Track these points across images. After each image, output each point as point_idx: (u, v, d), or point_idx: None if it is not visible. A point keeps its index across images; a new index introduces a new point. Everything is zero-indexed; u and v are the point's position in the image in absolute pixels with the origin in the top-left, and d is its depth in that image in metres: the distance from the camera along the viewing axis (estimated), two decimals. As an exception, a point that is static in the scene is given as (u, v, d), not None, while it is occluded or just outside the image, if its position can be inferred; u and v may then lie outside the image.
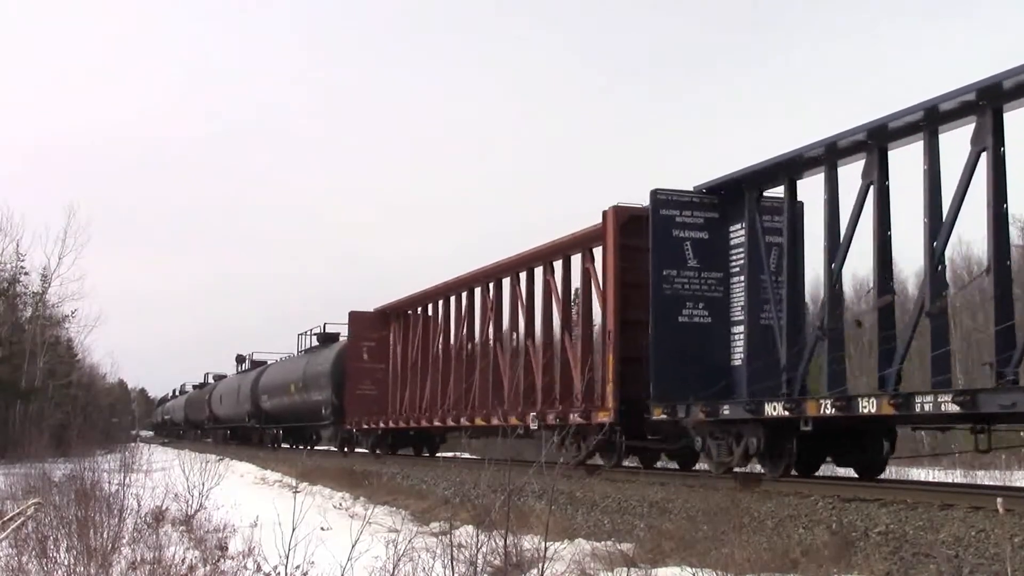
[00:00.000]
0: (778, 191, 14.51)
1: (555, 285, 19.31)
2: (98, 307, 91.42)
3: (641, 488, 14.43)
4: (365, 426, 29.28)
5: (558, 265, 19.24)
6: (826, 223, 13.10)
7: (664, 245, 15.18)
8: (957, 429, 13.49)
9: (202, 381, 71.17)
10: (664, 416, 14.80)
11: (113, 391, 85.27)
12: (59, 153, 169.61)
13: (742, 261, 14.86)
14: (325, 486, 23.03)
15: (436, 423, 24.51)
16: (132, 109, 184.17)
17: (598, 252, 17.49)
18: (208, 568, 9.83)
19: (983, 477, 21.88)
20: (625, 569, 9.99)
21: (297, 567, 8.11)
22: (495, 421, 19.97)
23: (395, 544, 8.38)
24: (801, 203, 14.68)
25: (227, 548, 11.44)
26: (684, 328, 15.08)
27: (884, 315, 12.51)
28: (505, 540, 8.78)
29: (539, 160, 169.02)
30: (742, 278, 14.84)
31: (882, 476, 15.28)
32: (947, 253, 11.81)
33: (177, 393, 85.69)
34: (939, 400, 10.60)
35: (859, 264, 14.79)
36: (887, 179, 12.48)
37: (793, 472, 13.70)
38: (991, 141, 10.96)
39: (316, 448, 41.64)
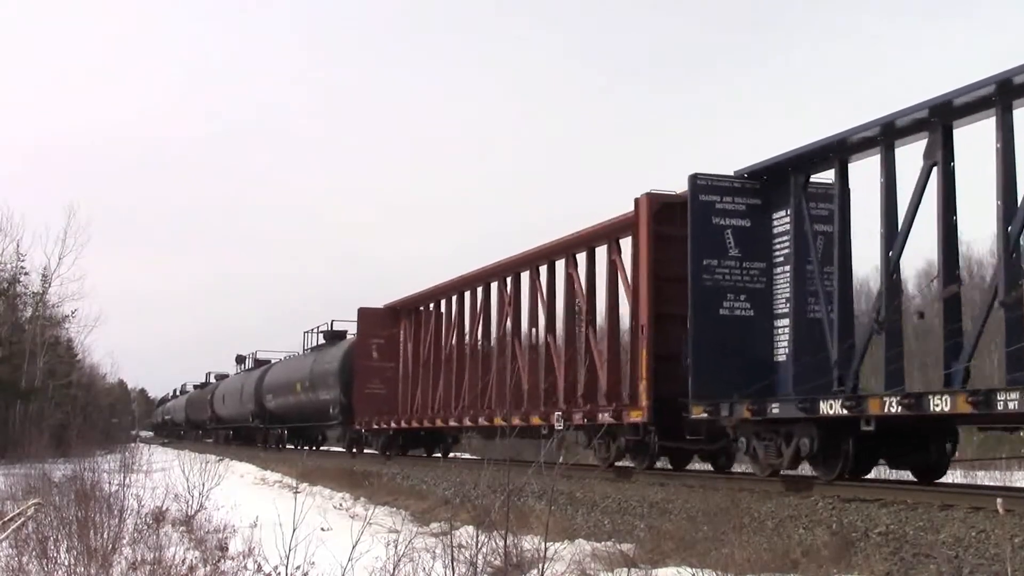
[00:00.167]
0: (824, 176, 13.77)
1: (578, 278, 18.55)
2: (98, 307, 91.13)
3: (641, 488, 14.43)
4: (376, 426, 28.48)
5: (581, 258, 18.49)
6: (883, 208, 12.23)
7: (704, 233, 14.30)
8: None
9: (204, 381, 70.16)
10: (705, 415, 13.97)
11: (113, 391, 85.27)
12: (59, 153, 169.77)
13: (787, 250, 14.02)
14: (325, 487, 23.04)
15: (452, 423, 23.57)
16: (132, 109, 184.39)
17: (625, 243, 16.81)
18: (208, 568, 9.84)
19: (983, 477, 21.84)
20: (625, 569, 9.99)
21: (297, 567, 8.11)
22: (516, 421, 19.10)
23: (395, 544, 8.38)
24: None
25: (227, 548, 11.44)
26: (725, 321, 14.24)
27: (950, 306, 11.64)
28: (505, 540, 8.78)
29: (539, 160, 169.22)
30: (787, 268, 13.99)
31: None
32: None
33: (178, 393, 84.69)
34: None
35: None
36: (952, 159, 11.58)
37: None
38: None
39: (322, 449, 41.23)
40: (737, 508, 11.48)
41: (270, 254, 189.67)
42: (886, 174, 12.33)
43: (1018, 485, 18.16)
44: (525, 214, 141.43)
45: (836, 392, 12.40)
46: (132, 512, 13.03)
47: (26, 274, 47.47)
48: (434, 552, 8.85)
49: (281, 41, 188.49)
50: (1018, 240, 10.82)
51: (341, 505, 19.56)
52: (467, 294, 24.23)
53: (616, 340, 17.52)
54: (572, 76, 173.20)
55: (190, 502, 16.44)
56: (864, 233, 13.31)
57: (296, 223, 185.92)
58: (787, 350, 13.85)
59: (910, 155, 12.20)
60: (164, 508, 15.13)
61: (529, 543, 9.62)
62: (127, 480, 15.05)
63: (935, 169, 11.58)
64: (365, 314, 29.49)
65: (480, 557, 8.60)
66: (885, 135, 12.29)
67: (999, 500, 7.56)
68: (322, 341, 37.14)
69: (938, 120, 11.60)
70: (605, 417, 16.08)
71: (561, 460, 9.89)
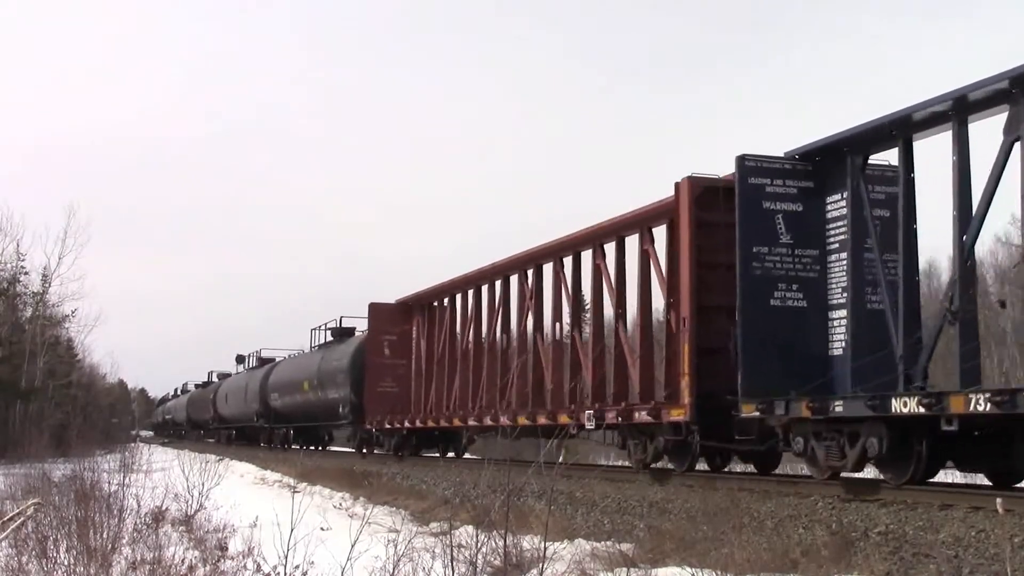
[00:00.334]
0: (882, 157, 13.01)
1: (606, 270, 17.60)
2: (98, 307, 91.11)
3: (641, 488, 14.42)
4: (388, 426, 27.30)
5: (610, 248, 17.51)
6: (955, 189, 11.32)
7: (753, 218, 13.42)
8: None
9: (206, 380, 69.04)
10: (756, 414, 12.99)
11: (113, 391, 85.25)
12: (59, 153, 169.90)
13: (843, 237, 13.13)
14: (325, 486, 23.03)
15: (472, 422, 22.26)
16: (132, 109, 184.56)
17: (659, 232, 16.05)
18: (208, 568, 9.84)
19: (983, 478, 21.81)
20: (625, 569, 9.99)
21: (296, 567, 8.11)
22: (541, 420, 18.27)
23: (395, 544, 8.38)
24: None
25: (227, 548, 11.45)
26: (776, 313, 13.35)
27: None
28: (505, 540, 8.78)
29: (539, 160, 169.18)
30: (843, 256, 13.11)
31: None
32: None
33: (179, 392, 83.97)
34: None
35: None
36: None
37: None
38: None
39: (329, 449, 40.38)
40: (737, 508, 11.48)
41: (270, 254, 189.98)
42: (959, 152, 11.35)
43: (1018, 485, 18.12)
44: (525, 214, 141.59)
45: (910, 389, 11.45)
46: (132, 512, 13.03)
47: (26, 274, 47.61)
48: (434, 552, 8.85)
49: (281, 41, 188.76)
50: None
51: (340, 505, 19.55)
52: (485, 288, 23.28)
53: (649, 335, 16.76)
54: (572, 76, 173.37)
55: (190, 502, 16.45)
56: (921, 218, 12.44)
57: (296, 223, 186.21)
58: (843, 344, 12.97)
59: (985, 131, 11.33)
60: (164, 508, 15.13)
61: (529, 543, 9.63)
62: (127, 480, 15.06)
63: (1017, 145, 10.69)
64: (376, 309, 28.50)
65: (480, 557, 8.60)
66: (957, 110, 11.36)
67: (999, 500, 7.55)
68: (330, 338, 36.16)
69: (1020, 91, 10.65)
70: (642, 416, 15.24)
71: (561, 460, 9.87)
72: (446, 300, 25.64)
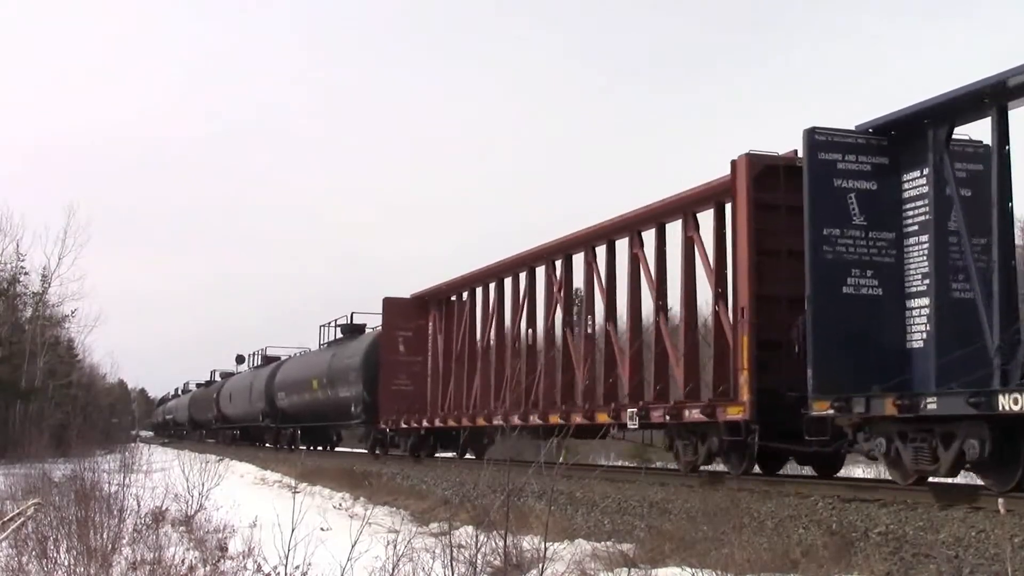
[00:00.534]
0: (966, 130, 11.99)
1: (644, 259, 16.51)
2: (98, 307, 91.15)
3: (641, 488, 14.41)
4: (404, 425, 26.09)
5: (649, 236, 16.47)
6: None
7: (823, 198, 12.34)
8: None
9: (208, 379, 67.82)
10: (831, 411, 11.82)
11: (113, 391, 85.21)
12: (59, 153, 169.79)
13: (923, 218, 12.01)
14: (325, 487, 23.04)
15: (497, 421, 20.75)
16: (132, 109, 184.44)
17: (705, 217, 15.11)
18: (208, 568, 9.84)
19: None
20: (625, 569, 10.00)
21: (297, 567, 8.12)
22: (577, 419, 16.99)
23: (395, 544, 8.39)
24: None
25: (227, 548, 11.44)
26: (849, 301, 12.23)
27: None
28: (505, 540, 8.78)
29: (539, 160, 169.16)
30: (922, 239, 12.01)
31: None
32: None
33: (180, 392, 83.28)
34: None
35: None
36: None
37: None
38: None
39: (337, 450, 39.75)
40: (737, 508, 11.48)
41: (270, 254, 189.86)
42: None
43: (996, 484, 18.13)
44: (525, 214, 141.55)
45: (1016, 385, 10.28)
46: (132, 512, 13.03)
47: (26, 274, 47.63)
48: (433, 552, 8.86)
49: (281, 41, 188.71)
50: None
51: (340, 505, 19.56)
52: (508, 281, 22.11)
53: (694, 328, 15.73)
54: (572, 76, 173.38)
55: (190, 502, 16.44)
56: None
57: (296, 223, 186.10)
58: (924, 336, 11.86)
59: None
60: (164, 508, 15.13)
61: (529, 543, 9.64)
62: (127, 480, 15.05)
63: None
64: (390, 304, 27.26)
65: (480, 557, 8.61)
66: None
67: (1000, 500, 7.56)
68: (339, 335, 35.03)
69: None
70: (693, 415, 14.26)
71: (561, 460, 9.87)
72: (465, 294, 24.64)
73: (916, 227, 12.19)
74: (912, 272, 12.23)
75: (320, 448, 40.64)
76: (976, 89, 10.97)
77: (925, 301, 11.92)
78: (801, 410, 12.27)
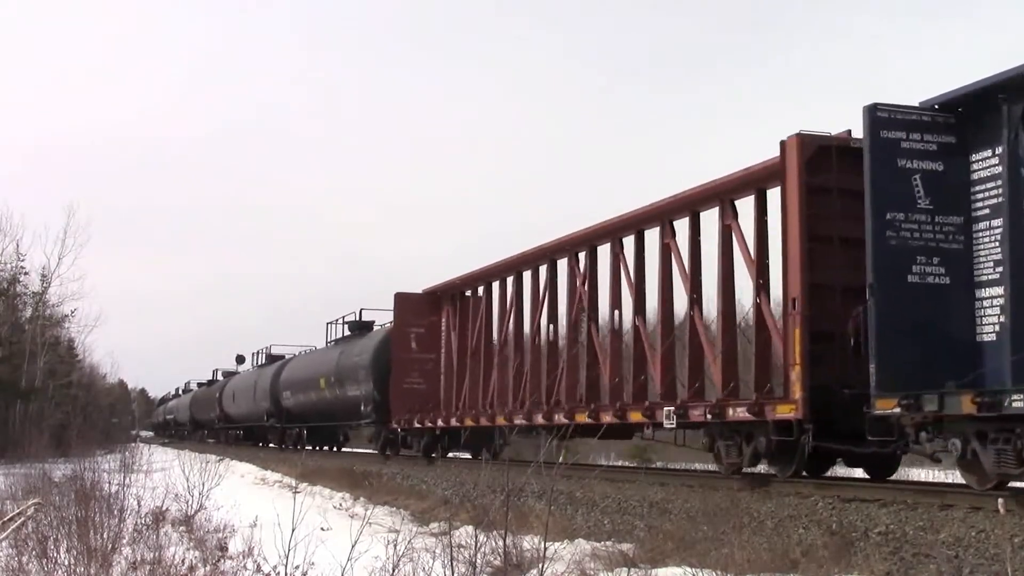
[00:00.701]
0: None
1: (677, 249, 15.78)
2: (98, 307, 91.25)
3: (641, 488, 14.41)
4: (417, 425, 25.14)
5: (681, 225, 15.67)
6: None
7: (886, 179, 11.56)
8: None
9: (210, 378, 65.90)
10: (897, 410, 11.00)
11: (113, 391, 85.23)
12: (59, 153, 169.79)
13: (995, 201, 11.21)
14: (325, 487, 23.03)
15: (519, 420, 19.83)
16: (132, 109, 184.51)
17: (743, 204, 14.38)
18: (208, 568, 9.84)
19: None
20: (625, 569, 10.00)
21: (297, 567, 8.12)
22: (607, 418, 16.37)
23: (395, 544, 8.39)
24: None
25: (227, 548, 11.45)
26: (915, 291, 11.47)
27: None
28: (504, 540, 8.79)
29: (539, 160, 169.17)
30: (995, 224, 11.21)
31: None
32: None
33: (180, 392, 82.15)
34: None
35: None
36: None
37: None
38: None
39: (345, 451, 39.15)
40: (737, 508, 11.49)
41: (270, 254, 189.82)
42: None
43: (1018, 485, 18.16)
44: (525, 214, 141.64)
45: None
46: (132, 512, 13.03)
47: (26, 274, 47.68)
48: (434, 552, 8.86)
49: (281, 41, 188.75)
50: None
51: (341, 505, 19.56)
52: (528, 274, 21.19)
53: (733, 323, 14.88)
54: (572, 76, 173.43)
55: (190, 502, 16.45)
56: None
57: (296, 223, 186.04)
58: (997, 328, 11.07)
59: None
60: (164, 508, 15.13)
61: (529, 543, 9.64)
62: (127, 480, 15.06)
63: None
64: (402, 300, 26.41)
65: (480, 557, 8.62)
66: None
67: (1000, 500, 7.56)
68: (347, 333, 34.04)
69: None
70: (738, 413, 13.45)
71: (561, 460, 9.88)
72: (480, 289, 23.79)
73: (987, 211, 11.40)
74: (983, 259, 11.43)
75: (327, 448, 40.01)
76: None
77: (998, 291, 11.08)
78: (864, 408, 11.49)
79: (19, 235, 47.46)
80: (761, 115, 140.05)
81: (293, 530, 7.85)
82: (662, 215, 16.01)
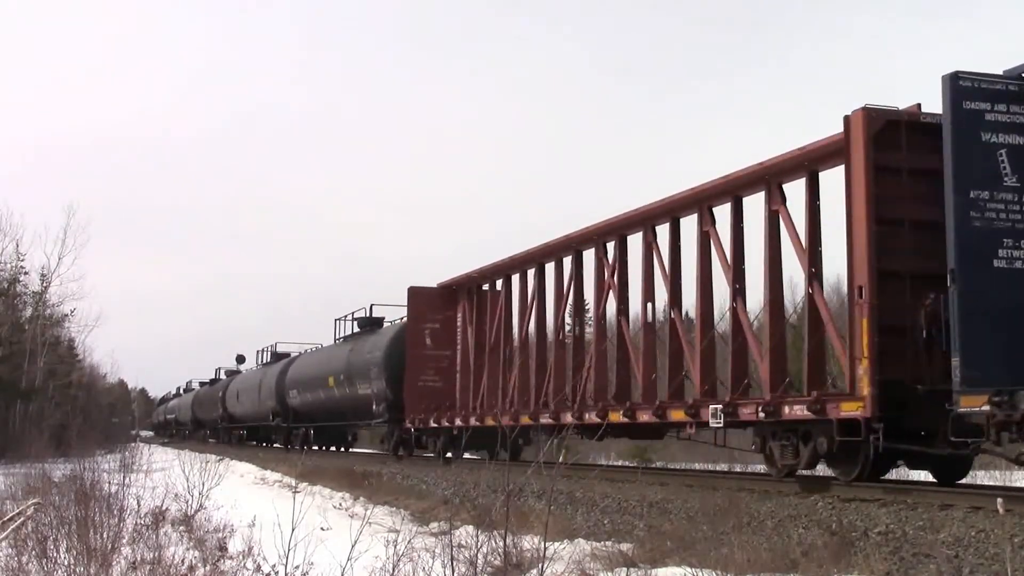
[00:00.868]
0: None
1: (717, 236, 14.93)
2: (98, 307, 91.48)
3: (641, 488, 14.41)
4: (434, 424, 24.10)
5: (722, 211, 14.85)
6: None
7: (969, 155, 10.71)
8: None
9: (213, 377, 64.20)
10: (986, 407, 10.11)
11: (113, 391, 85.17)
12: (59, 153, 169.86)
13: None
14: (325, 486, 23.02)
15: (546, 419, 18.69)
16: (132, 109, 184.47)
17: (792, 188, 13.54)
18: (208, 568, 9.84)
19: (983, 477, 21.82)
20: (625, 569, 10.01)
21: (297, 567, 8.12)
22: (644, 417, 15.56)
23: (395, 544, 8.40)
24: None
25: (227, 548, 11.45)
26: (1001, 277, 10.60)
27: None
28: (505, 540, 8.78)
29: (539, 160, 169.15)
30: None
31: (884, 476, 13.13)
32: None
33: (182, 391, 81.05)
34: None
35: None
36: None
37: None
38: None
39: (353, 451, 38.71)
40: (737, 508, 11.49)
41: (270, 254, 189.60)
42: None
43: (1018, 485, 18.16)
44: (525, 214, 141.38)
45: None
46: (132, 512, 13.04)
47: (26, 274, 47.71)
48: (434, 552, 8.87)
49: (281, 41, 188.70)
50: None
51: (341, 505, 19.56)
52: (550, 266, 20.28)
53: (781, 316, 13.95)
54: (572, 76, 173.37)
55: (190, 502, 16.45)
56: None
57: (296, 223, 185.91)
58: None
59: None
60: (164, 508, 15.13)
61: (529, 543, 9.64)
62: (127, 480, 15.06)
63: None
64: (416, 294, 25.56)
65: (480, 557, 8.61)
66: None
67: (999, 500, 7.56)
68: (356, 329, 32.91)
69: None
70: (796, 411, 12.48)
71: (561, 460, 9.87)
72: (499, 282, 22.92)
73: None
74: None
75: (335, 448, 39.34)
76: None
77: None
78: (945, 405, 10.70)
79: (19, 235, 47.57)
80: (761, 115, 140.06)
81: (293, 530, 7.84)
82: (700, 201, 15.15)
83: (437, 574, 8.40)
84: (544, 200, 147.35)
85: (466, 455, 24.35)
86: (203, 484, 17.20)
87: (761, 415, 13.06)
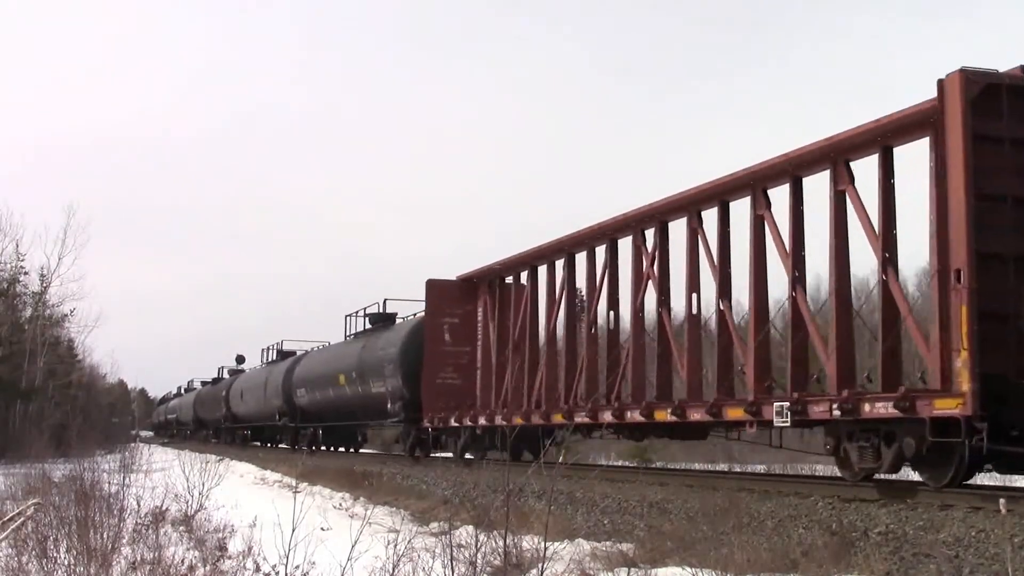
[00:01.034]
0: None
1: (772, 220, 13.78)
2: (98, 307, 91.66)
3: (641, 488, 14.41)
4: (454, 423, 23.01)
5: (778, 193, 13.72)
6: None
7: None
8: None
9: (216, 376, 62.97)
10: None
11: (113, 391, 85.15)
12: (59, 153, 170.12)
13: None
14: (325, 486, 23.03)
15: (583, 418, 17.27)
16: (132, 109, 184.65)
17: (861, 166, 12.39)
18: (208, 568, 9.84)
19: (983, 477, 21.83)
20: (625, 569, 10.01)
21: (297, 567, 8.12)
22: (695, 416, 14.42)
23: (395, 544, 8.39)
24: None
25: (227, 548, 11.45)
26: None
27: None
28: (505, 540, 8.79)
29: (539, 160, 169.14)
30: None
31: (884, 476, 12.37)
32: None
33: (183, 391, 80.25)
34: None
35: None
36: None
37: None
38: None
39: (362, 452, 38.11)
40: (737, 508, 11.48)
41: (270, 254, 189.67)
42: None
43: (1018, 485, 18.17)
44: (525, 214, 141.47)
45: None
46: (132, 512, 13.04)
47: (26, 274, 47.74)
48: (433, 552, 8.86)
49: (281, 41, 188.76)
50: None
51: (341, 505, 19.56)
52: (581, 256, 19.03)
53: (848, 306, 12.70)
54: (573, 76, 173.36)
55: (190, 502, 16.45)
56: None
57: (296, 223, 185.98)
58: None
59: None
60: (164, 508, 15.13)
61: (529, 543, 9.64)
62: (127, 480, 15.06)
63: None
64: (434, 288, 24.28)
65: (480, 557, 8.61)
66: None
67: (1002, 500, 7.56)
68: (368, 326, 31.45)
69: None
70: (879, 408, 11.23)
71: (561, 460, 9.87)
72: (523, 274, 21.76)
73: None
74: None
75: (345, 449, 38.62)
76: None
77: None
78: None
79: (19, 235, 47.71)
80: (761, 115, 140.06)
81: (293, 530, 7.85)
82: (754, 183, 14.02)
83: (437, 574, 8.40)
84: (544, 200, 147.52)
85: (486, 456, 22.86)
86: (203, 484, 17.20)
87: (836, 413, 11.75)
